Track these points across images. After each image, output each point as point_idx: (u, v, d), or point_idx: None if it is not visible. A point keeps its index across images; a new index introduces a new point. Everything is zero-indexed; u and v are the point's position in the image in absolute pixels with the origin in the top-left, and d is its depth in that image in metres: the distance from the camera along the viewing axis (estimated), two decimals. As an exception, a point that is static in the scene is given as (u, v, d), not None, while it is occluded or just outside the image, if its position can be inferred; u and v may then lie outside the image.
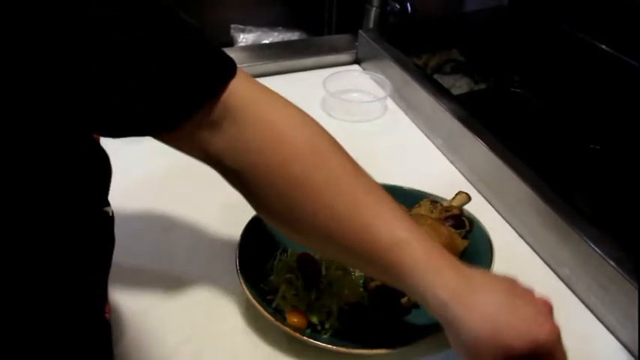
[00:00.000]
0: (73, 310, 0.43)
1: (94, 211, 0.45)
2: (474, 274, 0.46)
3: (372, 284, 0.60)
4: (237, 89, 0.47)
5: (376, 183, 0.50)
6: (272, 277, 0.61)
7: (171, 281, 0.64)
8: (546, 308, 0.46)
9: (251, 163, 0.48)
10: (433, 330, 0.55)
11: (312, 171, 0.47)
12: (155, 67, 0.42)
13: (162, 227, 0.71)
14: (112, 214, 0.49)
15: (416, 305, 0.60)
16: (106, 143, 0.88)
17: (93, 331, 0.48)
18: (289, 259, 0.63)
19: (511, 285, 0.47)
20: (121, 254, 0.67)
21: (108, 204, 0.48)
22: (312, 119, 0.52)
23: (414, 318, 0.60)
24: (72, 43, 0.37)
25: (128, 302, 0.61)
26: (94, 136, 0.45)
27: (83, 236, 0.42)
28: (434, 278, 0.45)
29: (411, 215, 0.64)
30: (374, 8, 1.14)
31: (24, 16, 0.34)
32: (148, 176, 0.79)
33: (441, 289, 0.44)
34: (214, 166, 0.50)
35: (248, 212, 0.66)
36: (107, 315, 0.59)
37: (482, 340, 0.43)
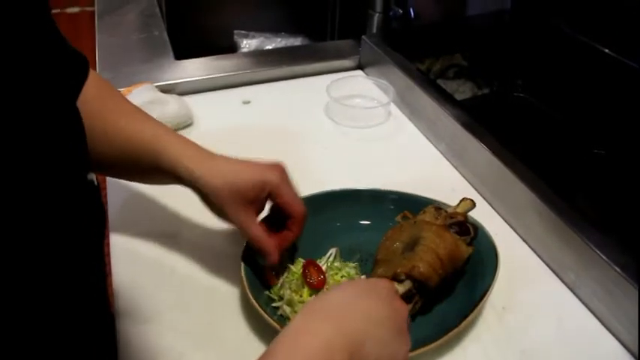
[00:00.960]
0: (72, 286, 0.42)
1: (78, 179, 0.44)
2: (213, 152, 0.60)
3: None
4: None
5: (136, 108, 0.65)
6: (277, 284, 0.61)
7: (175, 287, 0.65)
8: (274, 166, 0.60)
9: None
10: (436, 338, 0.55)
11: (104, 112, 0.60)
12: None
13: (167, 233, 0.72)
14: (97, 182, 0.49)
15: (420, 312, 0.60)
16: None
17: (95, 312, 0.48)
18: (294, 266, 0.63)
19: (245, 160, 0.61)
20: (125, 260, 0.67)
21: (90, 170, 0.47)
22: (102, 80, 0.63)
23: (417, 326, 0.60)
24: None
25: (132, 309, 0.62)
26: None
27: (71, 206, 0.41)
28: (183, 154, 0.58)
29: (415, 222, 0.64)
30: (377, 13, 1.14)
31: None
32: (152, 187, 0.80)
33: (187, 160, 0.58)
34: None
35: (253, 219, 0.67)
36: (111, 304, 0.60)
37: (220, 189, 0.57)
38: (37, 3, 0.43)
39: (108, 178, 0.78)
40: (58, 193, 0.39)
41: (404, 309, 0.51)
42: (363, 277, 0.64)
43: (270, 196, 0.60)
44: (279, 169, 0.60)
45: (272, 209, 0.63)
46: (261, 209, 0.61)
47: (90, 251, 0.47)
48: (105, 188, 0.76)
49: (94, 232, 0.48)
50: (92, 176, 0.48)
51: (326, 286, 0.61)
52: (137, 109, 0.64)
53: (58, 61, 0.47)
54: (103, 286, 0.53)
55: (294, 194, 0.61)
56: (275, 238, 0.61)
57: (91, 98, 0.56)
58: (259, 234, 0.59)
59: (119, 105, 0.64)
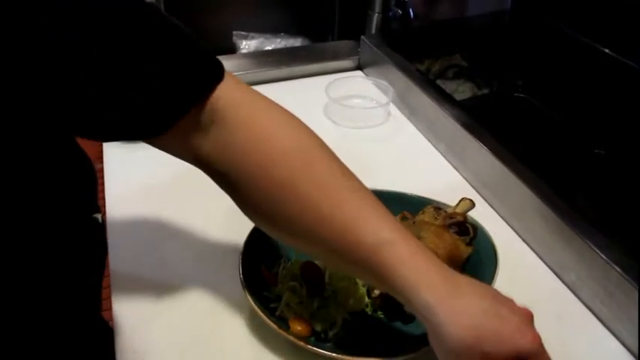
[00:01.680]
0: (69, 314, 0.43)
1: (83, 218, 0.45)
2: (459, 278, 0.46)
3: (376, 292, 0.59)
4: (225, 93, 0.48)
5: (362, 184, 0.50)
6: (276, 285, 0.61)
7: (174, 289, 0.64)
8: (528, 317, 0.46)
9: (237, 164, 0.48)
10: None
11: (297, 172, 0.47)
12: (141, 73, 0.42)
13: (166, 235, 0.71)
14: (103, 220, 0.49)
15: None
16: (110, 150, 0.89)
17: (90, 334, 0.48)
18: (293, 267, 0.63)
19: (495, 293, 0.47)
20: (124, 262, 0.67)
21: (97, 211, 0.48)
22: (298, 120, 0.52)
23: (418, 326, 0.60)
24: (58, 47, 0.37)
25: (131, 311, 0.61)
26: (78, 145, 0.46)
27: (74, 243, 0.42)
28: (419, 280, 0.44)
29: (414, 222, 0.64)
30: (376, 14, 1.14)
31: (15, 22, 0.34)
32: (152, 183, 0.79)
33: (426, 292, 0.44)
34: (204, 168, 0.51)
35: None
36: (110, 322, 0.59)
37: (465, 347, 0.43)
38: None
39: (106, 163, 0.78)
40: (65, 229, 0.41)
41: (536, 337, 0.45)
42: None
43: None
44: (537, 338, 0.45)
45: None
46: None
47: (90, 277, 0.47)
48: (103, 190, 0.76)
49: (94, 262, 0.49)
50: (97, 216, 0.48)
51: (326, 286, 0.61)
52: (343, 184, 0.49)
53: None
54: (98, 307, 0.53)
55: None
56: None
57: (273, 161, 0.47)
58: None
59: (339, 167, 0.50)
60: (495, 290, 0.48)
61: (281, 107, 0.52)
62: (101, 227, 0.49)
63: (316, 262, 0.63)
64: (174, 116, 0.45)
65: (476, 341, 0.42)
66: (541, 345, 0.45)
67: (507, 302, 0.46)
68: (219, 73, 0.48)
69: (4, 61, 0.35)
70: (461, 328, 0.43)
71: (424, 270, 0.45)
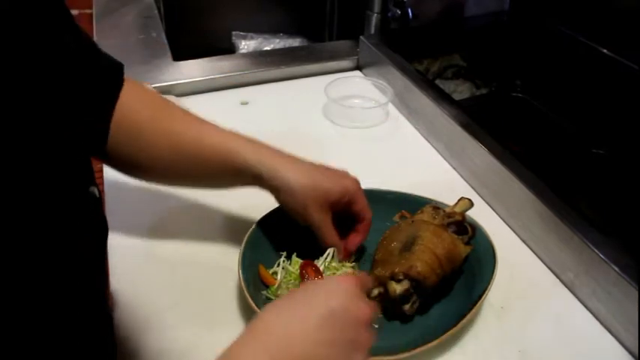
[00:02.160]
0: (73, 294, 0.43)
1: (80, 191, 0.44)
2: (290, 155, 0.63)
3: (375, 292, 0.60)
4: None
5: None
6: (275, 285, 0.61)
7: (173, 290, 0.64)
8: (347, 174, 0.64)
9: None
10: (435, 337, 0.55)
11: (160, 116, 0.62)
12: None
13: (165, 234, 0.72)
14: (100, 194, 0.48)
15: (418, 312, 0.60)
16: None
17: (94, 317, 0.48)
18: (292, 267, 0.63)
19: (318, 166, 0.64)
20: (123, 263, 0.67)
21: (93, 184, 0.47)
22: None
23: (415, 326, 0.60)
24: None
25: (130, 312, 0.61)
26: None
27: (73, 217, 0.42)
28: (260, 154, 0.60)
29: (413, 221, 0.64)
30: (375, 14, 1.14)
31: None
32: (149, 185, 0.79)
33: (267, 160, 0.60)
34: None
35: (251, 220, 0.67)
36: (110, 305, 0.60)
37: (306, 188, 0.59)
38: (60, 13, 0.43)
39: (105, 175, 0.78)
40: (61, 204, 0.40)
41: (364, 313, 0.46)
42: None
43: (346, 202, 0.62)
44: (356, 179, 0.64)
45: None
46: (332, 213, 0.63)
47: (91, 258, 0.47)
48: (103, 191, 0.76)
49: (95, 241, 0.48)
50: (94, 189, 0.47)
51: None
52: (192, 114, 0.65)
53: (88, 72, 0.52)
54: (103, 293, 0.53)
55: (366, 202, 0.64)
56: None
57: (141, 107, 0.61)
58: (335, 235, 0.62)
59: (175, 111, 0.64)
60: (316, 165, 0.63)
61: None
62: (99, 201, 0.49)
63: (315, 262, 0.64)
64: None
65: (312, 182, 0.60)
66: (359, 184, 0.64)
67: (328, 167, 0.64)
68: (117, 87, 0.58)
69: None
70: (299, 176, 0.60)
71: (261, 148, 0.62)
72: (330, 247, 0.62)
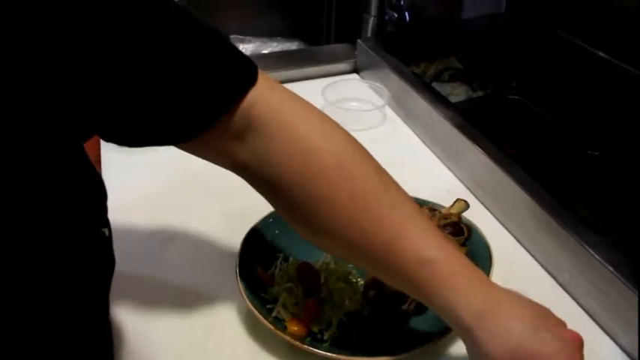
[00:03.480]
0: (75, 328, 0.43)
1: (91, 232, 0.45)
2: (503, 297, 0.45)
3: (371, 292, 0.60)
4: (260, 97, 0.45)
5: (406, 196, 0.49)
6: (272, 286, 0.61)
7: (171, 292, 0.65)
8: (575, 344, 0.45)
9: (276, 175, 0.46)
10: (433, 337, 0.55)
11: (337, 187, 0.46)
12: (172, 76, 0.41)
13: (163, 238, 0.72)
14: (110, 233, 0.48)
15: (416, 312, 0.60)
16: (105, 154, 0.89)
17: (95, 347, 0.49)
18: (289, 268, 0.63)
19: (539, 315, 0.46)
20: (120, 266, 0.67)
21: (105, 225, 0.48)
22: (338, 128, 0.50)
23: (414, 325, 0.60)
24: (91, 50, 0.36)
25: (128, 314, 0.62)
26: (88, 158, 0.45)
27: (81, 256, 0.43)
28: (458, 300, 0.44)
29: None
30: (372, 17, 1.15)
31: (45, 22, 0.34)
32: (148, 187, 0.80)
33: (465, 312, 0.44)
34: (241, 174, 0.49)
35: (248, 222, 0.67)
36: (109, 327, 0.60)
37: (496, 358, 0.43)
38: None
39: (103, 167, 0.78)
40: (72, 244, 0.41)
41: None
42: (359, 278, 0.64)
43: None
44: (578, 349, 0.46)
45: None
46: None
47: (96, 294, 0.48)
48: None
49: (101, 277, 0.49)
50: (105, 230, 0.47)
51: (322, 287, 0.61)
52: (383, 193, 0.48)
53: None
54: (104, 322, 0.53)
55: None
56: None
57: (329, 164, 0.47)
58: None
59: (381, 181, 0.49)
60: (545, 311, 0.47)
61: (321, 113, 0.50)
62: (108, 240, 0.49)
63: (312, 263, 0.64)
64: (204, 122, 0.43)
65: (511, 357, 0.42)
66: (581, 353, 0.46)
67: (553, 326, 0.46)
68: (251, 77, 0.45)
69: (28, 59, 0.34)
70: (498, 350, 0.43)
71: (463, 290, 0.44)
72: None
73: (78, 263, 0.42)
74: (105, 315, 0.54)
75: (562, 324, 0.47)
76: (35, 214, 0.37)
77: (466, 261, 0.47)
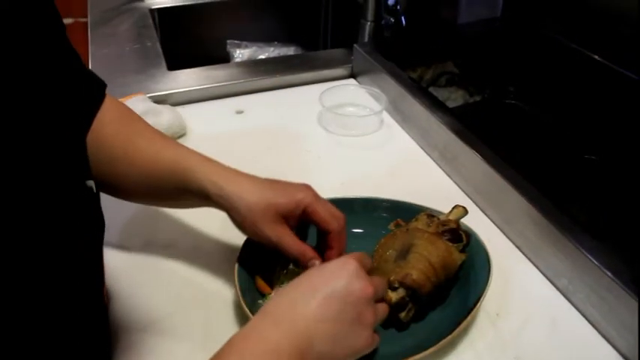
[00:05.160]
0: (70, 288, 0.43)
1: (77, 185, 0.44)
2: (238, 170, 0.61)
3: (371, 299, 0.60)
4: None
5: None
6: (270, 292, 0.61)
7: (169, 299, 0.64)
8: (304, 185, 0.61)
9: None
10: (431, 344, 0.55)
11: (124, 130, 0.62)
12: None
13: (161, 243, 0.72)
14: (96, 189, 0.48)
15: (414, 320, 0.60)
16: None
17: (90, 311, 0.48)
18: (288, 277, 0.63)
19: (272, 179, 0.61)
20: (120, 270, 0.67)
21: (90, 177, 0.47)
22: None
23: (411, 333, 0.60)
24: None
25: (126, 320, 0.61)
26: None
27: (69, 211, 0.42)
28: (209, 172, 0.58)
29: (408, 230, 0.65)
30: (368, 22, 1.15)
31: None
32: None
33: (215, 177, 0.58)
34: None
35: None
36: (105, 302, 0.61)
37: (254, 205, 0.57)
38: (53, 25, 0.44)
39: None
40: (57, 198, 0.41)
41: (365, 291, 0.50)
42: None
43: (304, 214, 0.59)
44: (310, 188, 0.61)
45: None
46: (293, 228, 0.60)
47: (88, 254, 0.47)
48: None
49: (92, 236, 0.48)
50: (91, 183, 0.48)
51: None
52: (157, 132, 0.64)
53: (73, 84, 0.50)
54: (99, 288, 0.53)
55: (329, 210, 0.60)
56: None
57: (109, 121, 0.60)
58: (295, 241, 0.59)
59: (139, 127, 0.64)
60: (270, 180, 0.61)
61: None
62: (95, 197, 0.49)
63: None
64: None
65: (260, 198, 0.57)
66: (315, 194, 0.60)
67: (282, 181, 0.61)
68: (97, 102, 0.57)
69: None
70: (246, 193, 0.57)
71: (211, 165, 0.60)
72: (297, 256, 0.59)
73: (66, 219, 0.42)
74: (100, 286, 0.53)
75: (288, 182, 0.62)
76: (15, 163, 0.36)
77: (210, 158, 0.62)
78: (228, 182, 0.58)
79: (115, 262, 0.68)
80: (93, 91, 0.57)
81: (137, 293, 0.65)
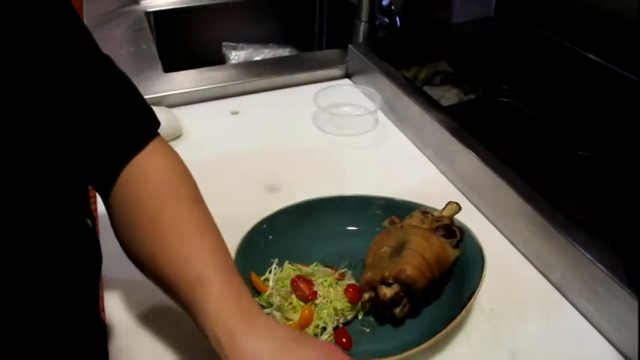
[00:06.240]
0: (68, 316, 0.43)
1: (74, 223, 0.45)
2: (260, 320, 0.46)
3: (365, 296, 0.60)
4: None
5: (210, 218, 0.55)
6: (267, 292, 0.62)
7: (165, 297, 0.65)
8: (333, 351, 0.46)
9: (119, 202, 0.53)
10: (426, 339, 0.55)
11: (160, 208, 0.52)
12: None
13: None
14: (94, 225, 0.49)
15: (408, 316, 0.61)
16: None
17: (88, 334, 0.49)
18: (284, 273, 0.63)
19: (292, 335, 0.47)
20: (116, 270, 0.67)
21: (89, 216, 0.48)
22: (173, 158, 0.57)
23: (406, 329, 0.60)
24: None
25: (123, 318, 0.62)
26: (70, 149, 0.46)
27: (66, 248, 0.43)
28: (217, 317, 0.46)
29: (402, 226, 0.65)
30: (363, 23, 1.15)
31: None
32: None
33: (219, 328, 0.45)
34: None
35: (243, 228, 0.67)
36: (103, 315, 0.61)
37: None
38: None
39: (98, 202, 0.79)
40: (57, 234, 0.42)
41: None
42: (352, 281, 0.64)
43: None
44: (342, 356, 0.46)
45: None
46: None
47: (84, 285, 0.48)
48: (97, 217, 0.76)
49: (89, 269, 0.49)
50: (88, 221, 0.48)
51: (318, 295, 0.61)
52: (196, 224, 0.53)
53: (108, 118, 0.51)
54: (97, 316, 0.54)
55: None
56: None
57: (147, 196, 0.52)
58: None
59: (176, 215, 0.52)
60: (295, 332, 0.48)
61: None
62: (92, 232, 0.50)
63: (306, 269, 0.64)
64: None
65: None
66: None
67: (307, 340, 0.48)
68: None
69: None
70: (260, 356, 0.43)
71: (226, 308, 0.46)
72: None
73: (63, 255, 0.42)
74: (96, 312, 0.54)
75: (315, 340, 0.50)
76: (16, 201, 0.37)
77: (241, 285, 0.49)
78: (230, 341, 0.45)
79: (111, 262, 0.69)
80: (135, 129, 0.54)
81: (133, 292, 0.65)
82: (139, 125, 0.54)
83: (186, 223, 0.52)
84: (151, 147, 0.55)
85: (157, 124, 0.56)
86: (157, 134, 0.56)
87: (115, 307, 0.63)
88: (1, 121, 0.35)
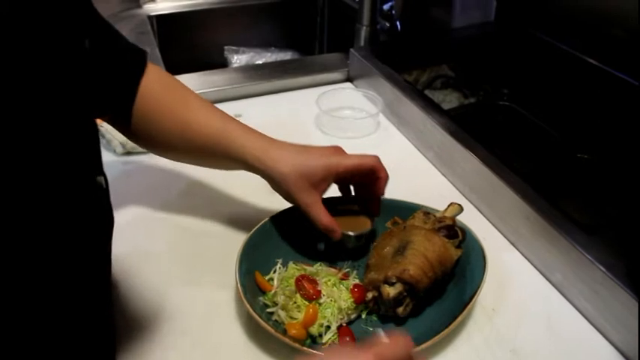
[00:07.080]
0: (78, 280, 0.43)
1: (87, 181, 0.45)
2: (279, 142, 0.66)
3: (369, 296, 0.61)
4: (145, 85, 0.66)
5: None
6: (271, 291, 0.62)
7: (172, 295, 0.65)
8: (333, 150, 0.67)
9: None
10: (428, 338, 0.56)
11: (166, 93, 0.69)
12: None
13: (165, 241, 0.73)
14: (106, 184, 0.49)
15: (411, 315, 0.61)
16: (109, 156, 0.89)
17: (96, 304, 0.49)
18: (288, 273, 0.64)
19: (306, 146, 0.67)
20: (123, 269, 0.68)
21: (100, 173, 0.48)
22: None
23: (408, 328, 0.61)
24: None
25: (129, 315, 0.62)
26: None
27: (79, 206, 0.43)
28: (251, 144, 0.64)
29: (405, 227, 0.66)
30: (364, 27, 1.16)
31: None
32: (149, 190, 0.81)
33: (255, 150, 0.64)
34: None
35: (248, 227, 0.68)
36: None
37: (287, 175, 0.63)
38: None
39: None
40: (67, 193, 0.41)
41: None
42: (356, 280, 0.65)
43: (338, 175, 0.65)
44: (339, 150, 0.67)
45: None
46: (325, 190, 0.66)
47: (96, 248, 0.48)
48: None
49: (101, 230, 0.49)
50: (101, 179, 0.48)
51: (322, 294, 0.62)
52: (203, 102, 0.70)
53: (107, 61, 0.62)
54: (107, 280, 0.54)
55: (358, 157, 0.66)
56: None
57: (156, 93, 0.67)
58: (323, 213, 0.64)
59: (186, 98, 0.69)
60: (306, 146, 0.67)
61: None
62: (105, 191, 0.50)
63: (310, 268, 0.65)
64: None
65: (292, 169, 0.63)
66: (343, 151, 0.67)
67: (314, 148, 0.67)
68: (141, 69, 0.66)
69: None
70: (280, 165, 0.63)
71: (251, 137, 0.65)
72: (322, 227, 0.64)
73: (76, 214, 0.42)
74: (107, 277, 0.54)
75: (329, 147, 0.68)
76: (28, 157, 0.37)
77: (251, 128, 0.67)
78: (266, 154, 0.64)
79: (117, 262, 0.69)
80: (131, 64, 0.66)
81: (139, 292, 0.66)
82: (137, 53, 0.67)
83: (205, 102, 0.69)
84: (149, 68, 0.67)
85: (146, 52, 0.69)
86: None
87: (122, 314, 0.63)
88: (7, 71, 0.35)
